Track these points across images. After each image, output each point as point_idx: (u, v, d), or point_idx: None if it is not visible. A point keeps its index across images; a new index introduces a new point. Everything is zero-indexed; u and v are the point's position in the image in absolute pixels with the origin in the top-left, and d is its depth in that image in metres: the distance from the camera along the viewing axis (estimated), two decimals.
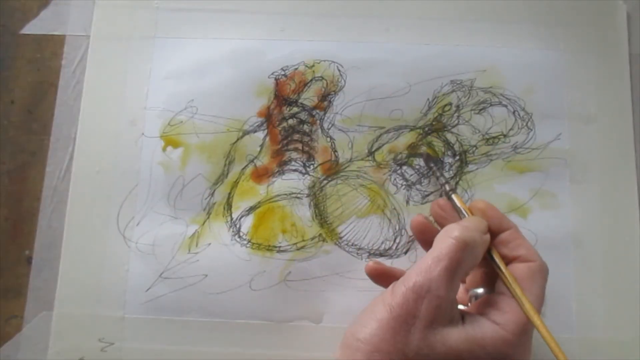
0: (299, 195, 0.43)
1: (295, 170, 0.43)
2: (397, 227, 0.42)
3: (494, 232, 0.34)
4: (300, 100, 0.44)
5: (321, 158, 0.43)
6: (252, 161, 0.43)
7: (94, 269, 0.41)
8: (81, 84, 0.44)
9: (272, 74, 0.44)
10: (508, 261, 0.34)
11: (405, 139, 0.43)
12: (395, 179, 0.43)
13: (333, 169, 0.43)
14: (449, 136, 0.43)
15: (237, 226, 0.42)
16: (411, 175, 0.43)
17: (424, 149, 0.42)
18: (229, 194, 0.43)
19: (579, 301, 0.40)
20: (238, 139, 0.43)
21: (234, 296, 0.41)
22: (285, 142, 0.43)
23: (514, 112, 0.43)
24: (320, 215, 0.42)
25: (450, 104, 0.44)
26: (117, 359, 0.40)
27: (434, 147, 0.43)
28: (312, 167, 0.43)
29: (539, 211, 0.42)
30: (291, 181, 0.43)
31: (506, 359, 0.31)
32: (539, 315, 0.31)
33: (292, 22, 0.45)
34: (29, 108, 0.45)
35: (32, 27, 0.46)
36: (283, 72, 0.44)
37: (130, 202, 0.42)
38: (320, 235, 0.42)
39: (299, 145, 0.43)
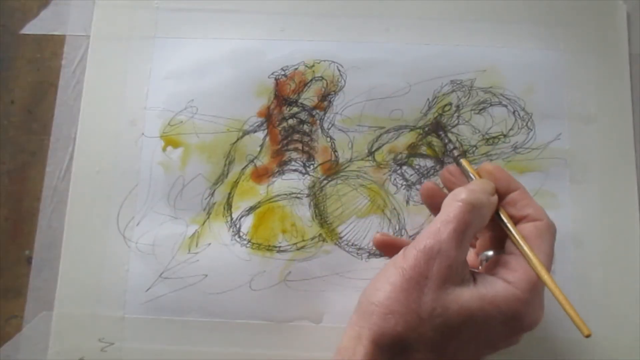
0: (299, 195, 0.43)
1: (295, 170, 0.43)
2: (397, 227, 0.42)
3: (502, 194, 0.35)
4: (300, 100, 0.44)
5: (321, 158, 0.43)
6: (252, 161, 0.43)
7: (94, 269, 0.41)
8: (81, 84, 0.44)
9: (272, 74, 0.44)
10: (516, 221, 0.34)
11: (405, 139, 0.43)
12: (395, 179, 0.43)
13: (333, 169, 0.43)
14: (449, 135, 0.43)
15: (237, 226, 0.42)
16: (411, 175, 0.43)
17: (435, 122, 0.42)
18: (229, 194, 0.43)
19: (579, 301, 0.40)
20: (238, 139, 0.43)
21: (234, 296, 0.41)
22: (285, 142, 0.43)
23: (514, 112, 0.43)
24: (320, 215, 0.42)
25: (450, 104, 0.44)
26: (117, 359, 0.40)
27: (434, 147, 0.43)
28: (312, 167, 0.43)
29: None
30: (291, 181, 0.43)
31: (518, 317, 0.31)
32: (549, 272, 0.31)
33: (292, 22, 0.45)
34: (29, 108, 0.45)
35: (32, 27, 0.46)
36: (283, 72, 0.44)
37: (130, 202, 0.42)
38: (320, 235, 0.42)
39: (299, 145, 0.43)
